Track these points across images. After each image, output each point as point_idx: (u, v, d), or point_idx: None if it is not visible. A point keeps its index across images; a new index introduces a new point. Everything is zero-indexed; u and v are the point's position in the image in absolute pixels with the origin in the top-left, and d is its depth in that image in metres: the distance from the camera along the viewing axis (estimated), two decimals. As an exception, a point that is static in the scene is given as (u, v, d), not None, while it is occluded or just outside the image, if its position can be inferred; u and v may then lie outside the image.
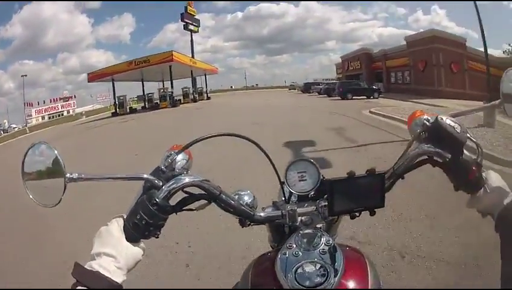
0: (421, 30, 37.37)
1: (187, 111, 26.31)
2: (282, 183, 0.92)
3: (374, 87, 29.26)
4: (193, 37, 51.40)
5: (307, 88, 43.86)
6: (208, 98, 44.33)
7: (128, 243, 0.72)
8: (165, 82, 37.38)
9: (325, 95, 32.09)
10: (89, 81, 39.96)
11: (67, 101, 60.30)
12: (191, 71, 40.67)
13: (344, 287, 0.73)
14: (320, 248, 0.77)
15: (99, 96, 59.06)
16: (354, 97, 26.31)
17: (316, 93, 36.83)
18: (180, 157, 0.88)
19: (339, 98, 26.99)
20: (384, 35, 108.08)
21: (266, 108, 21.82)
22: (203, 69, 45.12)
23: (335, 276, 0.71)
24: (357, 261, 0.81)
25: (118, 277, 0.68)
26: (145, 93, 40.00)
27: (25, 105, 51.48)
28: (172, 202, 0.78)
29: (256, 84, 78.50)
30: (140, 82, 41.89)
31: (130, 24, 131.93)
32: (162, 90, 35.82)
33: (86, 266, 0.68)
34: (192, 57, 47.83)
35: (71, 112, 54.78)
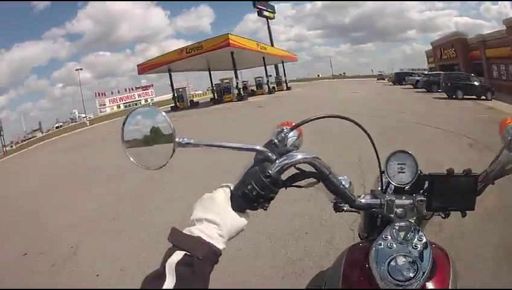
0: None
1: (248, 106, 22.18)
2: (382, 172, 0.92)
3: (486, 84, 21.79)
4: (271, 24, 47.43)
5: (398, 79, 35.02)
6: (288, 88, 39.15)
7: (233, 212, 0.71)
8: (237, 71, 32.99)
9: (423, 90, 24.81)
10: (139, 73, 35.84)
11: (145, 90, 61.49)
12: (263, 58, 35.55)
13: (428, 285, 0.73)
14: (414, 242, 0.77)
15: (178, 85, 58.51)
16: (464, 96, 19.34)
17: (411, 86, 29.26)
18: (291, 133, 0.90)
19: (446, 95, 20.10)
20: (460, 24, 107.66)
21: (358, 104, 16.22)
22: (278, 55, 39.49)
23: (423, 273, 0.72)
24: (443, 261, 0.81)
25: (219, 244, 0.66)
26: (213, 85, 35.07)
27: (96, 95, 53.47)
28: (283, 176, 0.76)
29: (344, 73, 73.29)
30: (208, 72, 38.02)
31: (209, 15, 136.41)
32: (226, 80, 30.66)
33: (185, 231, 0.66)
34: (272, 44, 43.35)
35: (149, 101, 55.34)
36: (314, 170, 0.80)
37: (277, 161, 0.76)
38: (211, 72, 37.39)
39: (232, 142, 0.79)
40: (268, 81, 36.89)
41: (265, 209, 0.75)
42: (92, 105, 56.55)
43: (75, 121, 49.82)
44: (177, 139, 0.73)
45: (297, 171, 0.81)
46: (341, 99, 20.37)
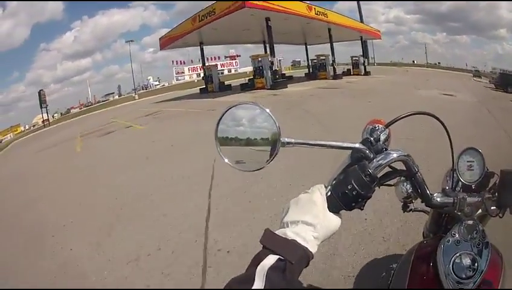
0: None
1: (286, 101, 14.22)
2: (454, 170, 0.93)
3: None
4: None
5: (504, 82, 21.15)
6: (366, 72, 29.40)
7: (330, 213, 0.70)
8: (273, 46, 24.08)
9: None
10: (161, 49, 30.19)
11: (232, 59, 57.40)
12: (329, 30, 26.03)
13: (482, 285, 0.76)
14: (477, 241, 0.80)
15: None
16: None
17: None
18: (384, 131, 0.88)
19: None
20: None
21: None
22: (353, 28, 29.31)
23: (481, 272, 0.75)
24: (497, 262, 0.83)
25: (313, 247, 0.65)
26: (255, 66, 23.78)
27: (173, 62, 51.98)
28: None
29: (439, 63, 60.43)
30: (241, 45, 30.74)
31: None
32: (258, 60, 21.96)
33: (278, 233, 0.65)
34: (361, 21, 37.36)
35: (233, 71, 53.05)
36: (404, 168, 0.82)
37: (375, 160, 0.76)
38: (246, 45, 31.20)
39: (332, 141, 0.78)
40: (334, 61, 27.38)
41: (362, 209, 0.73)
42: (170, 72, 55.62)
43: (146, 89, 49.25)
44: (281, 139, 0.70)
45: (390, 170, 0.82)
46: (425, 109, 9.99)
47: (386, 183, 0.83)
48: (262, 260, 0.60)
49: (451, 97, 14.13)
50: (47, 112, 32.84)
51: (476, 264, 0.76)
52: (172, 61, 52.06)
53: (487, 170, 0.92)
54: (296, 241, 0.63)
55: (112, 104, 38.75)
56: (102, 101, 46.06)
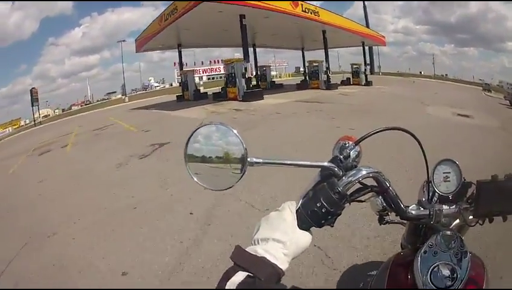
0: None
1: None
2: (429, 182, 0.92)
3: None
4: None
5: None
6: (367, 82, 26.39)
7: (300, 230, 0.70)
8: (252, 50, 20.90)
9: None
10: (136, 51, 27.05)
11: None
12: (323, 33, 22.82)
13: None
14: (455, 251, 0.80)
15: (278, 63, 48.52)
16: None
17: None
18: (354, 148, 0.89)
19: None
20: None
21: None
22: (354, 32, 25.70)
23: (461, 281, 0.76)
24: (478, 270, 0.84)
25: (283, 264, 0.65)
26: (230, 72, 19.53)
27: (174, 64, 48.68)
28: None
29: (446, 74, 57.59)
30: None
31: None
32: (231, 66, 18.46)
33: (248, 250, 0.65)
34: (367, 27, 34.48)
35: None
36: (375, 184, 0.83)
37: (344, 177, 0.77)
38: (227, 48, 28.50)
39: (300, 160, 0.78)
40: (328, 69, 23.69)
41: (332, 226, 0.74)
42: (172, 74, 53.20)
43: (146, 90, 48.78)
44: (249, 159, 0.70)
45: (360, 186, 0.82)
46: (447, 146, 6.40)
47: (357, 199, 0.82)
48: (232, 277, 0.61)
49: (469, 120, 10.71)
50: (38, 110, 32.38)
51: (455, 273, 0.77)
52: (174, 63, 48.88)
53: (464, 180, 0.91)
54: (265, 258, 0.63)
55: (107, 104, 37.18)
56: (102, 100, 45.90)
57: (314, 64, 23.95)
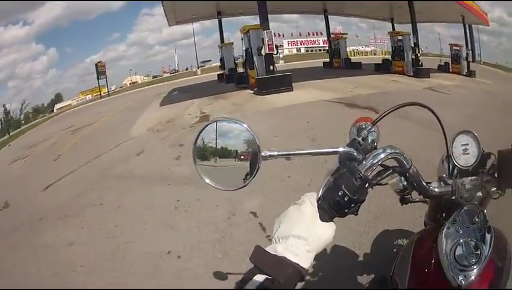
0: None
1: None
2: (448, 156, 0.91)
3: None
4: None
5: None
6: (469, 72, 17.31)
7: (322, 223, 0.66)
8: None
9: None
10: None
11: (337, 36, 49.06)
12: None
13: (488, 270, 0.75)
14: (478, 226, 0.78)
15: (372, 38, 41.58)
16: None
17: None
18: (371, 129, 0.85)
19: None
20: None
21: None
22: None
23: (485, 257, 0.74)
24: (502, 245, 0.82)
25: (306, 262, 0.62)
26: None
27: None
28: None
29: None
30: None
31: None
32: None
33: (268, 250, 0.62)
34: None
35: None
36: (397, 164, 0.79)
37: (364, 161, 0.73)
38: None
39: (317, 148, 0.75)
40: (416, 46, 15.72)
41: (356, 214, 0.70)
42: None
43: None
44: (262, 153, 0.67)
45: (381, 168, 0.79)
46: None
47: (380, 182, 0.79)
48: (250, 279, 0.59)
49: None
50: (106, 84, 32.50)
51: (479, 250, 0.75)
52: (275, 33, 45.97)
53: (483, 151, 0.89)
54: (285, 258, 0.60)
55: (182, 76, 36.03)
56: (186, 70, 44.77)
57: (398, 37, 15.86)
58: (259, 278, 0.58)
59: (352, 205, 0.67)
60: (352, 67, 18.75)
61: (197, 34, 68.11)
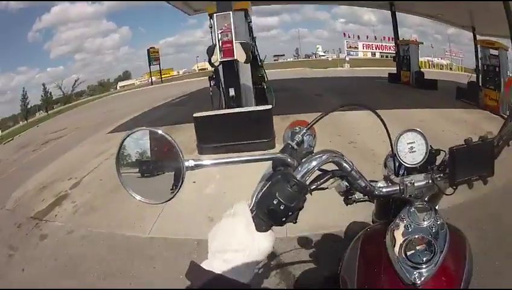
0: None
1: None
2: (393, 155, 0.89)
3: None
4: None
5: None
6: None
7: (259, 233, 0.64)
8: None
9: None
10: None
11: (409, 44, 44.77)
12: None
13: (445, 266, 0.73)
14: (430, 223, 0.77)
15: (447, 51, 34.52)
16: None
17: None
18: (306, 133, 0.84)
19: None
20: None
21: None
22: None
23: (440, 254, 0.73)
24: (459, 242, 0.81)
25: (246, 276, 0.60)
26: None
27: (344, 35, 44.56)
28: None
29: None
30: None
31: None
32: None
33: (203, 266, 0.60)
34: None
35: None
36: (337, 168, 0.77)
37: (300, 166, 0.71)
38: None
39: (246, 155, 0.72)
40: None
41: (295, 222, 0.68)
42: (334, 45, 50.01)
43: (309, 57, 46.56)
44: (186, 164, 0.64)
45: (320, 173, 0.77)
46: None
47: (319, 187, 0.77)
48: None
49: None
50: (160, 70, 32.67)
51: (434, 247, 0.73)
52: (344, 34, 43.38)
53: (431, 148, 0.88)
54: (221, 275, 0.58)
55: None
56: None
57: (492, 51, 9.27)
58: None
59: (290, 213, 0.65)
60: (425, 86, 12.73)
61: (275, 27, 64.52)
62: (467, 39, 20.39)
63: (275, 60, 43.65)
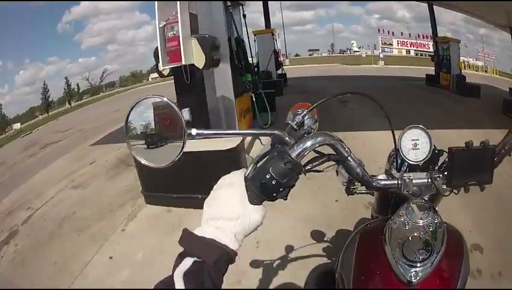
0: None
1: None
2: (397, 150, 0.88)
3: None
4: None
5: None
6: None
7: (252, 206, 0.65)
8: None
9: None
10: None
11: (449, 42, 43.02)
12: None
13: (441, 265, 0.73)
14: (428, 222, 0.76)
15: (480, 51, 30.68)
16: None
17: None
18: (308, 116, 0.85)
19: None
20: None
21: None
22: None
23: (437, 254, 0.72)
24: (456, 241, 0.81)
25: (234, 244, 0.62)
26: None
27: (378, 31, 43.19)
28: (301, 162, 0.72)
29: None
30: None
31: None
32: None
33: (196, 233, 0.62)
34: None
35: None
36: (334, 152, 0.77)
37: (296, 145, 0.72)
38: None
39: (248, 129, 0.64)
40: None
41: (285, 199, 0.69)
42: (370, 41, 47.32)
43: (343, 53, 45.02)
44: (188, 131, 0.66)
45: (317, 155, 0.78)
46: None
47: (313, 169, 0.77)
48: (180, 263, 0.58)
49: None
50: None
51: (431, 245, 0.73)
52: (378, 30, 41.87)
53: (435, 148, 0.86)
54: (214, 240, 0.60)
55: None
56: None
57: None
58: (189, 261, 0.57)
59: (281, 189, 0.66)
60: (466, 92, 10.56)
61: (311, 22, 62.93)
62: (497, 40, 19.14)
63: (310, 55, 44.30)
